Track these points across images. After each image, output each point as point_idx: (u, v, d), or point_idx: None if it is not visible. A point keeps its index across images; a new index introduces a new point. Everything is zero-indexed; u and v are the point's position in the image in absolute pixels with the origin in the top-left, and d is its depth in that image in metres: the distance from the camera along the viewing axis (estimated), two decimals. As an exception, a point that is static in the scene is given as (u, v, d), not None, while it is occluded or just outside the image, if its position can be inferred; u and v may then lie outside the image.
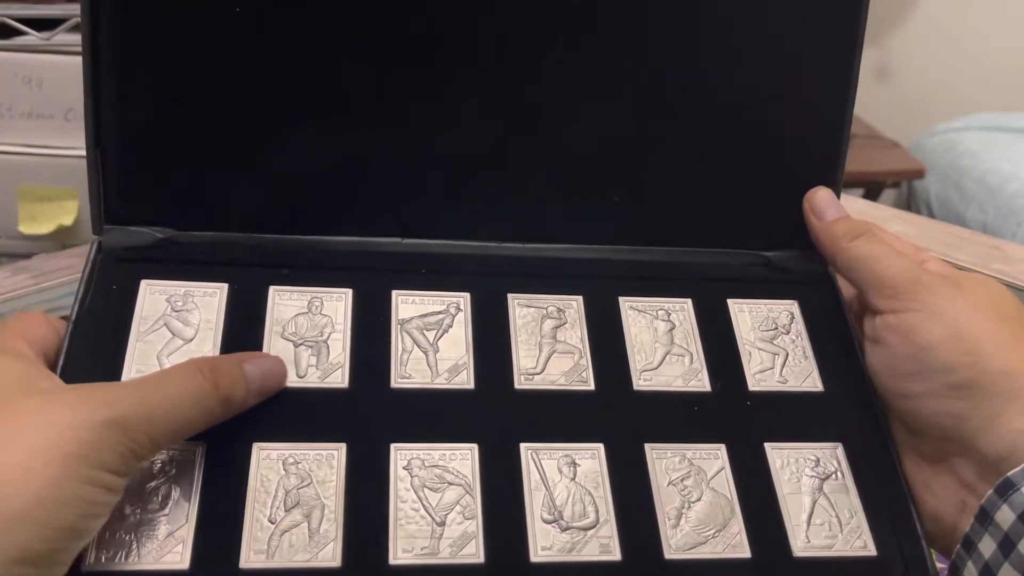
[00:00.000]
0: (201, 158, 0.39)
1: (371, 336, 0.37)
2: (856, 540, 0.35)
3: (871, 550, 0.35)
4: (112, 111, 0.38)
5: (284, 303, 0.38)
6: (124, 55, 0.37)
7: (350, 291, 0.39)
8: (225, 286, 0.38)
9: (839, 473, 0.36)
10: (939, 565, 0.35)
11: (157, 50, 0.37)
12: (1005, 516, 0.32)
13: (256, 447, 0.33)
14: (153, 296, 0.37)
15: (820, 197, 0.43)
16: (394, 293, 0.39)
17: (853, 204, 0.59)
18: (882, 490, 0.36)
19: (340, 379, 0.36)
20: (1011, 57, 1.71)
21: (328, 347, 0.37)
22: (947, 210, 1.47)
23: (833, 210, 0.42)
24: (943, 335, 0.35)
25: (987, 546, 0.33)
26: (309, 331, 0.37)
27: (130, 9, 0.37)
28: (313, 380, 0.36)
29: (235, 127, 0.39)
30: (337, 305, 0.38)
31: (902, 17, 1.75)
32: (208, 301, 0.37)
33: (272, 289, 0.38)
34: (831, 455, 0.37)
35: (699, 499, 0.35)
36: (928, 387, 0.36)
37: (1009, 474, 0.33)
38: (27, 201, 0.60)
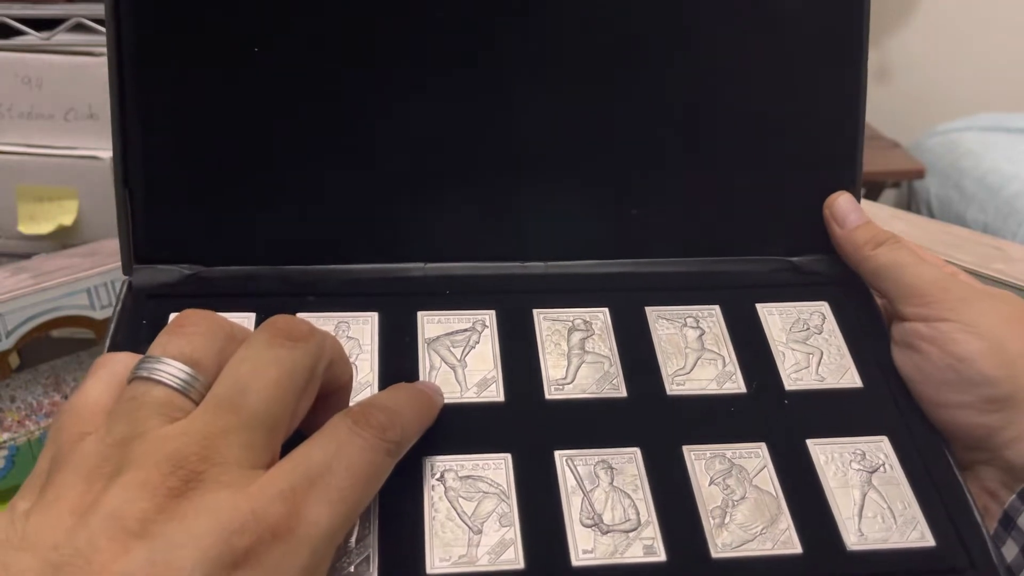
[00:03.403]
0: (226, 196, 0.40)
1: (398, 356, 0.37)
2: (912, 532, 0.33)
3: (929, 541, 0.33)
4: (138, 152, 0.39)
5: (311, 328, 0.38)
6: (149, 95, 0.38)
7: (376, 315, 0.39)
8: (252, 315, 0.38)
9: (887, 466, 0.35)
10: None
11: (181, 89, 0.39)
12: None
13: None
14: (182, 328, 0.37)
15: (840, 203, 0.43)
16: (419, 314, 0.39)
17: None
18: (934, 480, 0.35)
19: (369, 397, 0.36)
20: (1011, 57, 1.71)
21: (357, 368, 0.36)
22: (947, 210, 1.46)
23: (854, 216, 0.42)
24: (981, 347, 0.35)
25: (1010, 550, 0.33)
26: (337, 354, 0.37)
27: (153, 50, 0.38)
28: (342, 400, 0.35)
29: (257, 164, 0.40)
30: (363, 328, 0.38)
31: (902, 17, 1.76)
32: (236, 330, 0.37)
33: (299, 316, 0.38)
34: (877, 448, 0.36)
35: (743, 497, 0.34)
36: (964, 398, 0.35)
37: None
38: (27, 201, 0.60)
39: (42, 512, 0.24)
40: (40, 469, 0.26)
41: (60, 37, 0.60)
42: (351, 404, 0.32)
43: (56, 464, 0.25)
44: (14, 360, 0.50)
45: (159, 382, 0.26)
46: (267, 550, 0.24)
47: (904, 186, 1.64)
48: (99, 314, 0.48)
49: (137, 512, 0.23)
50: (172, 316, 0.37)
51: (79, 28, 0.61)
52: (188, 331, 0.28)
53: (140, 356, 0.28)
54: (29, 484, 0.26)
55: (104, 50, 0.59)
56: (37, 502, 0.24)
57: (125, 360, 0.28)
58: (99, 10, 0.60)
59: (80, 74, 0.59)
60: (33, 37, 0.60)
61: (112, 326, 0.37)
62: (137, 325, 0.37)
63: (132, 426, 0.25)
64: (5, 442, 0.48)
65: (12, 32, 0.61)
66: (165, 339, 0.28)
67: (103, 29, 0.59)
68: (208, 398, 0.26)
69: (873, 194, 1.51)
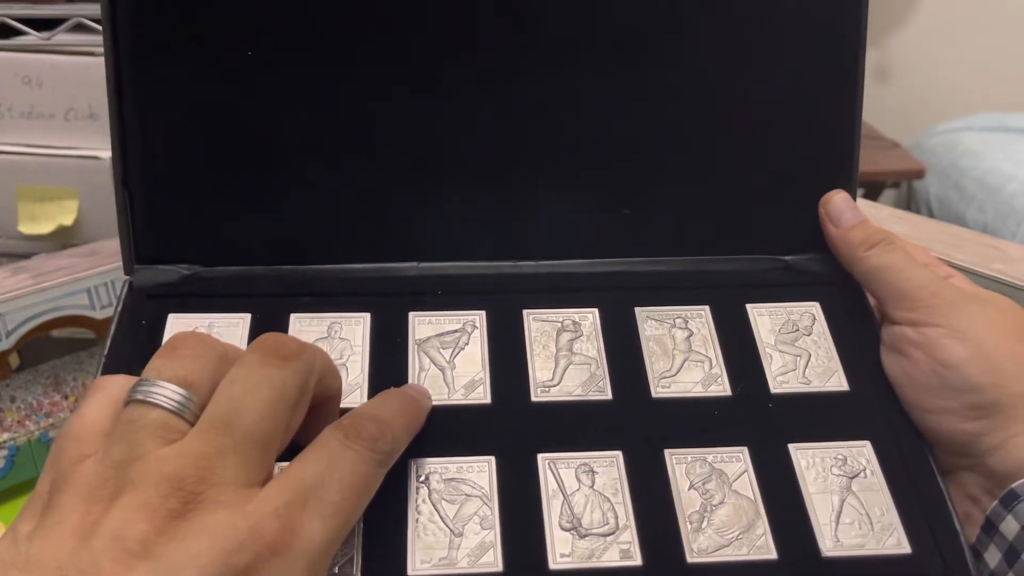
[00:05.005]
0: (224, 196, 0.41)
1: (389, 357, 0.38)
2: (889, 538, 0.34)
3: (905, 548, 0.33)
4: (137, 155, 0.40)
5: (304, 329, 0.39)
6: (147, 96, 0.39)
7: (368, 315, 0.39)
8: (248, 316, 0.39)
9: (868, 471, 0.35)
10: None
11: (178, 93, 0.39)
12: (1010, 527, 0.32)
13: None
14: (180, 328, 0.38)
15: (836, 202, 0.43)
16: (411, 315, 0.40)
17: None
18: (915, 486, 0.35)
19: (358, 399, 0.36)
20: (1011, 57, 1.68)
21: (347, 369, 0.37)
22: (947, 210, 1.45)
23: (850, 214, 0.42)
24: (966, 354, 0.35)
25: (992, 556, 0.33)
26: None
27: (150, 53, 0.39)
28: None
29: (255, 164, 0.41)
30: (355, 329, 0.39)
31: (902, 17, 1.73)
32: (232, 331, 0.38)
33: (293, 317, 0.39)
34: (859, 453, 0.36)
35: (721, 502, 0.34)
36: (948, 404, 0.36)
37: (1014, 485, 0.33)
38: (27, 201, 0.60)
39: (45, 534, 0.25)
40: (40, 492, 0.27)
41: (60, 37, 0.61)
42: (342, 404, 0.33)
43: (56, 487, 0.26)
44: (14, 360, 0.51)
45: (155, 404, 0.27)
46: (265, 566, 0.25)
47: (904, 186, 1.63)
48: (99, 314, 0.48)
49: (138, 533, 0.24)
50: (170, 316, 0.39)
51: (79, 28, 0.61)
52: (181, 353, 0.28)
53: (135, 379, 0.28)
54: (29, 507, 0.27)
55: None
56: (39, 524, 0.25)
57: (121, 383, 0.29)
58: (99, 10, 0.62)
59: (80, 74, 0.59)
60: (33, 37, 0.61)
61: (112, 326, 0.38)
62: (136, 325, 0.38)
63: (130, 448, 0.26)
64: (5, 442, 0.49)
65: (12, 32, 0.62)
66: (159, 362, 0.28)
67: (103, 29, 0.61)
68: (203, 419, 0.27)
69: (873, 194, 1.50)
